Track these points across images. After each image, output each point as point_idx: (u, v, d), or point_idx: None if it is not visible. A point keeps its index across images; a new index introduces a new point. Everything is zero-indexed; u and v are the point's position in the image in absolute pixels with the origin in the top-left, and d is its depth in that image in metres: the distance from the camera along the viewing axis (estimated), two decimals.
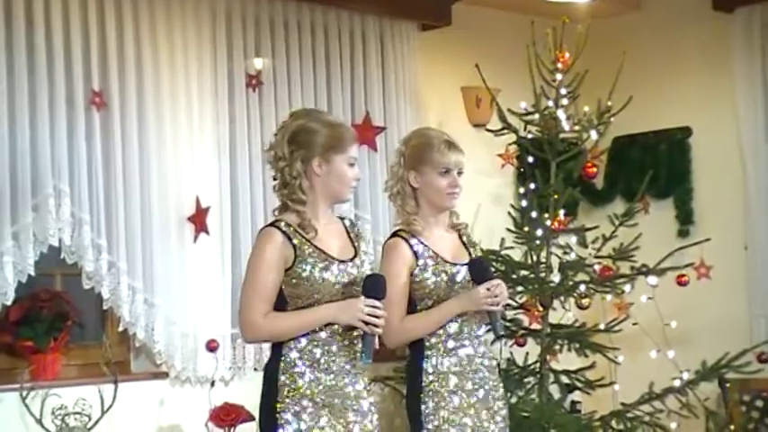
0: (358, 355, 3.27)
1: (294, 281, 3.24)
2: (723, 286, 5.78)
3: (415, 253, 3.53)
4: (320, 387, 3.23)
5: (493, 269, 3.84)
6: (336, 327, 3.26)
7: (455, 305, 3.51)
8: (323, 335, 3.25)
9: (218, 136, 5.08)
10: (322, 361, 3.25)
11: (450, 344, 3.53)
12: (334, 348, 3.26)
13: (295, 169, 3.28)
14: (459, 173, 3.61)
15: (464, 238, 3.69)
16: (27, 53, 4.52)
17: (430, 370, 3.51)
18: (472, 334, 3.58)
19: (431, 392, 3.49)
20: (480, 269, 3.54)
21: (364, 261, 3.38)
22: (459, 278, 3.56)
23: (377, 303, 3.23)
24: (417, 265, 3.53)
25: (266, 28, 5.24)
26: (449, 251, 3.62)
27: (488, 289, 3.48)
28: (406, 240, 3.55)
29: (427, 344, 3.53)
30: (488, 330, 3.64)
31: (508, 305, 5.25)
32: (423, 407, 3.48)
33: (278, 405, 3.21)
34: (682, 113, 6.15)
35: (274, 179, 3.35)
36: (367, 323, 3.22)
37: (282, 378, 3.22)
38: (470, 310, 3.52)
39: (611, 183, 6.35)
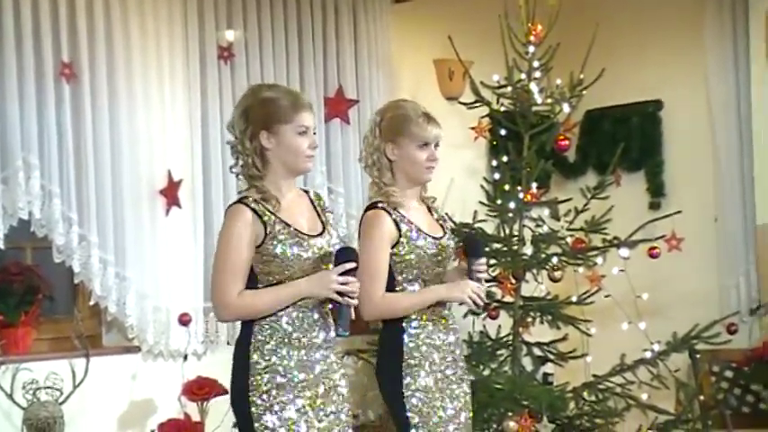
0: (334, 327, 3.24)
1: (265, 258, 3.21)
2: (694, 258, 5.82)
3: (398, 225, 3.52)
4: (292, 363, 3.20)
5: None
6: (307, 301, 3.23)
7: (443, 292, 3.53)
8: (293, 310, 3.22)
9: (190, 109, 5.05)
10: (294, 336, 3.22)
11: (429, 323, 3.54)
12: (305, 323, 3.24)
13: (246, 146, 3.25)
14: (437, 146, 3.61)
15: (433, 213, 3.69)
16: None
17: (410, 348, 3.50)
18: (448, 304, 3.60)
19: (411, 366, 3.48)
20: (474, 246, 3.58)
21: (333, 235, 3.34)
22: (434, 251, 3.55)
23: (349, 278, 3.20)
24: (399, 238, 3.51)
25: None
26: (426, 225, 3.61)
27: (478, 273, 3.51)
28: (388, 213, 3.53)
29: (401, 323, 3.52)
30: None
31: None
32: (404, 381, 3.48)
33: (250, 383, 3.19)
34: (653, 86, 6.18)
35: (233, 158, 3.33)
36: (342, 294, 3.19)
37: (254, 356, 3.20)
38: (457, 300, 3.55)
39: (583, 155, 6.39)
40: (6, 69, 4.48)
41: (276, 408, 3.17)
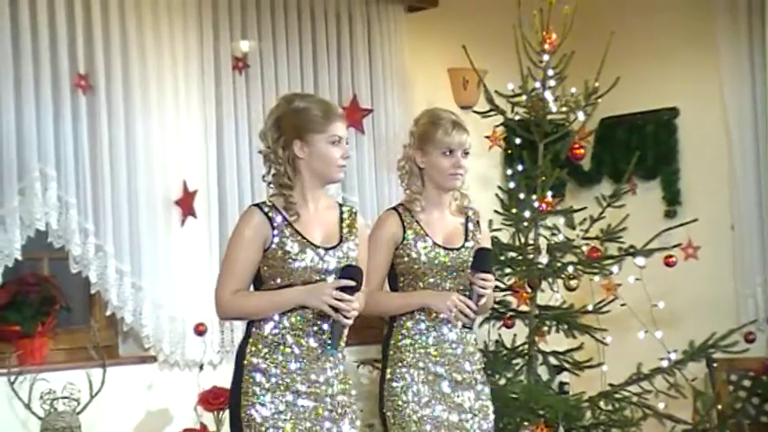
0: (324, 342, 3.25)
1: (270, 261, 3.24)
2: (710, 266, 5.79)
3: (404, 227, 3.56)
4: (286, 370, 3.22)
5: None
6: (307, 311, 3.25)
7: (425, 298, 3.55)
8: (293, 318, 3.25)
9: (205, 119, 5.05)
10: (291, 344, 3.24)
11: (423, 326, 3.56)
12: (302, 333, 3.25)
13: (279, 155, 3.27)
14: (465, 153, 3.63)
15: (470, 225, 3.69)
16: (12, 36, 4.48)
17: (400, 348, 3.54)
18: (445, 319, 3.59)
19: (398, 374, 3.52)
20: (480, 259, 3.56)
21: (347, 252, 3.34)
22: (441, 260, 3.58)
23: (346, 296, 3.18)
24: (403, 240, 3.56)
25: (252, 10, 5.20)
26: (443, 234, 3.63)
27: (474, 286, 3.50)
28: (399, 214, 3.59)
29: (397, 324, 3.57)
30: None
31: (497, 287, 5.27)
32: (385, 388, 3.53)
33: (243, 386, 3.22)
34: (668, 94, 6.17)
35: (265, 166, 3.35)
36: (336, 310, 3.19)
37: (250, 359, 3.23)
38: (436, 309, 3.53)
39: (598, 164, 6.38)
40: (23, 81, 4.47)
41: (265, 413, 3.19)
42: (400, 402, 3.50)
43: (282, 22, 5.29)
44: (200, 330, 4.87)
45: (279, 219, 3.24)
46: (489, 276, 3.54)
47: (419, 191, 3.62)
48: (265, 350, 3.23)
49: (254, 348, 3.24)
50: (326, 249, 3.29)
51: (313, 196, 3.33)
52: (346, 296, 3.19)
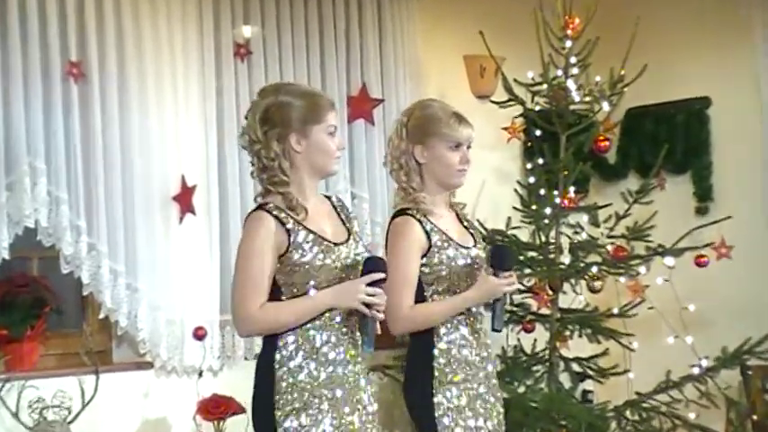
0: (360, 343, 3.20)
1: (289, 268, 3.15)
2: (745, 267, 5.68)
3: (428, 234, 3.45)
4: (320, 379, 3.14)
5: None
6: (334, 313, 3.18)
7: (475, 296, 3.44)
8: (320, 323, 3.17)
9: (205, 109, 5.01)
10: (321, 351, 3.16)
11: (466, 330, 3.46)
12: (332, 338, 3.18)
13: (272, 150, 3.17)
14: (469, 147, 3.55)
15: (462, 220, 3.64)
16: None
17: (441, 359, 3.41)
18: (479, 318, 3.53)
19: (442, 383, 3.40)
20: (501, 257, 3.49)
21: (359, 243, 3.30)
22: (468, 261, 3.49)
23: (377, 290, 3.14)
24: (430, 248, 3.44)
25: None
26: (456, 233, 3.54)
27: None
28: (418, 220, 3.47)
29: (436, 333, 3.44)
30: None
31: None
32: (435, 399, 3.39)
33: (276, 401, 3.13)
34: (700, 83, 6.07)
35: (252, 164, 3.23)
36: (369, 307, 3.13)
37: (279, 372, 3.14)
38: (486, 301, 3.48)
39: (624, 157, 6.29)
40: (11, 68, 4.42)
41: (305, 428, 3.10)
42: (453, 422, 3.37)
43: (287, 6, 5.23)
44: (199, 335, 4.82)
45: (290, 220, 3.16)
46: (513, 275, 3.49)
47: (420, 188, 3.51)
48: (295, 361, 3.12)
49: (282, 361, 3.13)
50: (340, 244, 3.22)
51: (311, 191, 3.26)
52: (378, 290, 3.14)
